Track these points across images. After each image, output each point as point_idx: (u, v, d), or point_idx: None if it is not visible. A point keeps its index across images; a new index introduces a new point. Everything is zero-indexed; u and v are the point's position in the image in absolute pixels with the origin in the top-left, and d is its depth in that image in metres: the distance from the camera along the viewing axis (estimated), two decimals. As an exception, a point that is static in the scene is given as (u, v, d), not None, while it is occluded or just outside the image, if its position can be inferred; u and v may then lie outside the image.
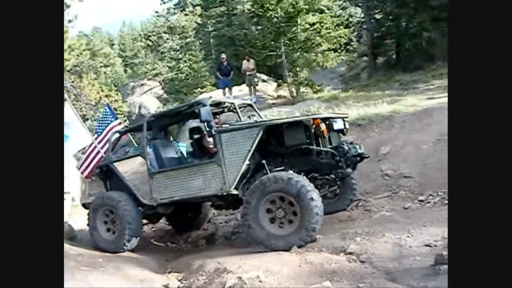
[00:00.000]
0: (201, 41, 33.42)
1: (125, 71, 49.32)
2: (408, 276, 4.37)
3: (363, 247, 5.34)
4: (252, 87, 17.39)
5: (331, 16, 21.33)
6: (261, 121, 6.74)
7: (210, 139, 7.53)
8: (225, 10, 35.56)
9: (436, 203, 7.09)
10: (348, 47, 24.76)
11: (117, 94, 20.94)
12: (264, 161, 6.48)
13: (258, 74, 19.04)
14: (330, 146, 6.50)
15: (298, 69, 17.56)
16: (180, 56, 30.35)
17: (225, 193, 6.49)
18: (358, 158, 6.59)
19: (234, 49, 31.64)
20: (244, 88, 18.61)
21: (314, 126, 6.33)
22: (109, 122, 10.06)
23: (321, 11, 20.95)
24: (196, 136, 8.03)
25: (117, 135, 8.65)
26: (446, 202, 6.94)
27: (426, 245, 5.06)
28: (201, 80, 27.17)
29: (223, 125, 6.80)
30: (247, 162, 6.30)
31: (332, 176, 6.66)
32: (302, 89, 17.55)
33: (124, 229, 7.27)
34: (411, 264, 4.67)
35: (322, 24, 18.25)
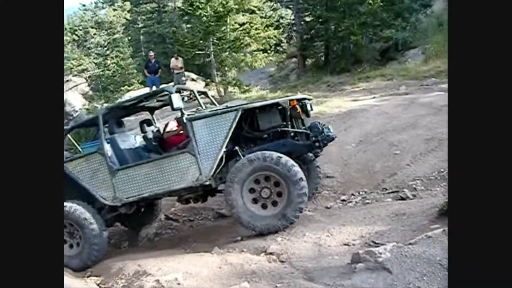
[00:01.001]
0: (130, 38, 32.78)
1: (50, 66, 47.44)
2: (325, 275, 4.41)
3: (284, 247, 5.35)
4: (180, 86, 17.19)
5: (261, 17, 21.48)
6: (237, 105, 6.43)
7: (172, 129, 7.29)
8: (155, 7, 35.13)
9: (358, 202, 7.25)
10: (278, 48, 24.99)
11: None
12: (237, 148, 6.29)
13: (187, 73, 18.91)
14: (304, 128, 6.49)
15: (226, 68, 17.59)
16: (108, 52, 29.67)
17: (200, 184, 6.19)
18: (331, 139, 6.53)
19: (163, 47, 31.29)
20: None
21: (290, 107, 6.25)
22: None
23: (252, 12, 21.06)
24: (150, 129, 7.60)
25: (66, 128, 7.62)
26: (367, 201, 7.15)
27: (345, 244, 5.14)
28: (128, 78, 26.62)
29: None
30: (224, 149, 6.06)
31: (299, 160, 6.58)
32: (230, 89, 17.55)
33: (89, 249, 6.55)
34: (329, 263, 4.72)
35: (251, 24, 18.34)
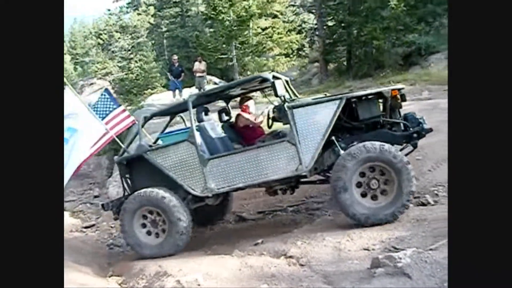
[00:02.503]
0: (153, 42, 33.16)
1: (75, 69, 48.23)
2: (345, 279, 4.41)
3: (304, 250, 5.37)
4: (201, 90, 17.32)
5: (284, 22, 21.55)
6: (340, 94, 6.37)
7: (250, 116, 7.21)
8: (179, 11, 35.39)
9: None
10: (300, 52, 24.97)
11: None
12: (333, 137, 6.05)
13: (210, 77, 19.01)
14: (400, 118, 6.42)
15: (249, 72, 17.66)
16: (131, 56, 30.03)
17: (300, 174, 6.09)
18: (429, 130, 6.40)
19: (186, 51, 31.50)
20: (194, 90, 18.51)
21: (392, 97, 6.17)
22: (110, 109, 8.54)
23: (274, 16, 21.18)
24: (226, 118, 7.50)
25: (141, 121, 7.15)
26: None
27: (365, 249, 5.13)
28: (151, 81, 26.90)
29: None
30: (325, 139, 5.92)
31: None
32: (252, 93, 17.59)
33: (175, 229, 6.41)
34: (348, 267, 4.72)
35: (274, 29, 18.45)
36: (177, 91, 17.39)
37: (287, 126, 6.23)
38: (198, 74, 17.10)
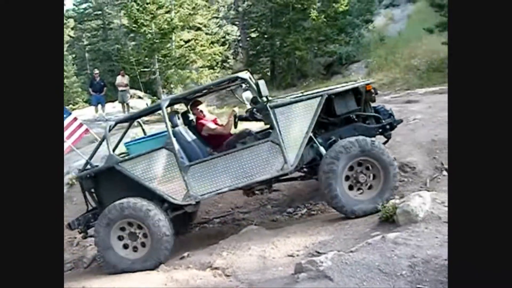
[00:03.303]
0: (75, 56, 32.17)
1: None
2: (270, 286, 4.44)
3: (229, 261, 5.35)
4: (124, 104, 16.99)
5: (207, 34, 21.55)
6: (321, 91, 6.33)
7: (210, 124, 6.93)
8: (100, 24, 34.66)
9: (303, 214, 7.33)
10: (224, 64, 25.12)
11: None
12: (311, 134, 6.08)
13: (133, 91, 18.66)
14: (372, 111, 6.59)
15: (172, 85, 17.47)
16: (51, 70, 28.94)
17: (285, 173, 6.09)
18: (400, 121, 6.69)
19: (110, 64, 30.87)
20: (117, 105, 18.14)
21: (366, 91, 6.34)
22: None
23: (197, 29, 21.11)
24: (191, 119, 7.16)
25: (111, 124, 6.77)
26: (312, 213, 7.24)
27: (289, 255, 5.18)
28: (73, 96, 26.07)
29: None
30: (308, 135, 5.97)
31: None
32: (176, 106, 17.46)
33: (160, 244, 6.01)
34: (273, 274, 4.75)
35: (197, 41, 18.40)
36: (99, 106, 16.95)
37: (253, 125, 6.24)
38: (120, 88, 16.78)
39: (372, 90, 6.43)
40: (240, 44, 26.02)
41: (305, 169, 6.82)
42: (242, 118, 7.23)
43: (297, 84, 20.68)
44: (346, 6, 21.22)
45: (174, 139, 6.23)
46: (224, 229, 7.40)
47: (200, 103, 7.22)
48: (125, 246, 6.19)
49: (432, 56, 16.60)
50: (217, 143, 6.78)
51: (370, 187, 6.02)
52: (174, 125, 6.57)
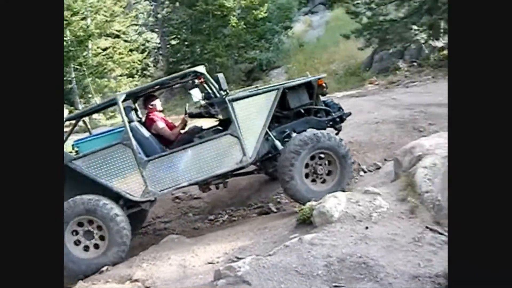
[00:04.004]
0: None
1: None
2: (189, 296, 4.41)
3: (149, 272, 5.24)
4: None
5: (126, 41, 21.14)
6: (277, 85, 6.54)
7: (160, 123, 6.70)
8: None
9: (225, 220, 7.32)
10: (144, 72, 24.71)
11: None
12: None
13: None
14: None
15: (90, 95, 16.99)
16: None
17: (244, 165, 6.19)
18: (348, 114, 6.91)
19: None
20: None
21: (318, 86, 6.51)
22: None
23: (115, 36, 20.67)
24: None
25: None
26: (234, 219, 7.24)
27: (209, 263, 5.16)
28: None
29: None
30: (266, 128, 6.14)
31: None
32: (94, 116, 17.03)
33: (119, 239, 5.85)
34: (193, 283, 4.73)
35: (115, 49, 17.99)
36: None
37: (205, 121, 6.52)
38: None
39: (324, 85, 6.66)
40: (160, 52, 25.68)
41: (257, 163, 6.90)
42: (194, 115, 7.36)
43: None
44: (265, 13, 21.49)
45: (131, 134, 6.09)
46: (145, 240, 7.25)
47: (156, 97, 7.09)
48: (85, 248, 5.95)
49: (349, 61, 17.15)
50: (165, 141, 6.68)
51: (327, 179, 6.21)
52: (130, 121, 6.39)
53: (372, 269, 3.89)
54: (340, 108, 6.88)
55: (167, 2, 25.35)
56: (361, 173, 7.37)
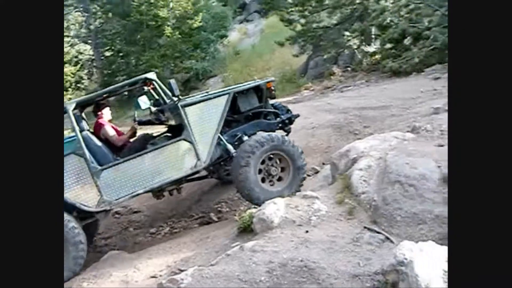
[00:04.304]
0: None
1: None
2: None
3: (90, 291, 5.12)
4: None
5: (57, 54, 20.51)
6: (228, 89, 6.68)
7: (109, 128, 6.54)
8: None
9: (166, 233, 7.23)
10: (78, 85, 24.08)
11: None
12: None
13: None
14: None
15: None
16: None
17: (198, 170, 6.28)
18: (297, 116, 7.11)
19: None
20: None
21: (266, 89, 6.70)
22: None
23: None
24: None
25: None
26: (175, 231, 7.16)
27: (152, 277, 5.09)
28: None
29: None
30: (218, 132, 6.21)
31: None
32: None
33: (75, 254, 5.67)
34: (136, 298, 4.64)
35: (46, 62, 17.42)
36: None
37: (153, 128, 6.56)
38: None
39: (272, 88, 6.83)
40: (94, 64, 25.10)
41: (210, 168, 6.95)
42: (143, 122, 7.29)
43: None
44: (200, 22, 21.44)
45: (83, 144, 5.99)
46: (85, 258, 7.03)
47: (105, 106, 6.92)
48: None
49: (284, 68, 17.36)
50: (115, 149, 6.54)
51: (280, 179, 6.31)
52: (81, 130, 6.22)
53: (313, 272, 3.96)
54: (288, 110, 7.08)
55: (99, 13, 24.84)
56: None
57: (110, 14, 24.00)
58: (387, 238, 4.41)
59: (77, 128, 6.03)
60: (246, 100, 6.66)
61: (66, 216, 5.72)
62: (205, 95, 6.59)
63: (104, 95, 6.84)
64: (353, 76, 13.98)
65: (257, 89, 6.75)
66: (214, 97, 6.34)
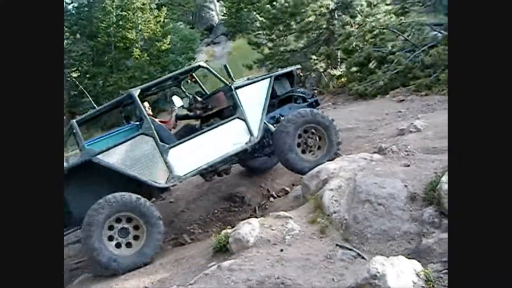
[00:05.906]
0: None
1: None
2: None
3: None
4: None
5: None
6: (269, 73, 7.77)
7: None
8: None
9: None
10: (45, 106, 23.76)
11: None
12: None
13: None
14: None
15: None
16: None
17: (253, 144, 6.91)
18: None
19: None
20: None
21: (296, 75, 7.79)
22: None
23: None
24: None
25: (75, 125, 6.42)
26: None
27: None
28: None
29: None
30: (266, 110, 6.97)
31: None
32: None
33: (157, 229, 6.11)
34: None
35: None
36: None
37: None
38: None
39: (301, 74, 7.97)
40: (61, 85, 24.90)
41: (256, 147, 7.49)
42: (180, 117, 8.05)
43: (122, 124, 20.30)
44: (168, 44, 21.55)
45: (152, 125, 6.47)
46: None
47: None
48: (118, 245, 6.05)
49: (252, 91, 17.55)
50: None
51: (319, 148, 7.09)
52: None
53: (290, 289, 4.10)
54: (313, 95, 8.29)
55: (67, 34, 24.68)
56: (271, 199, 7.65)
57: (77, 35, 23.89)
58: (359, 254, 4.59)
59: (144, 111, 6.56)
60: (281, 85, 7.54)
61: (139, 197, 6.08)
62: (252, 79, 7.32)
63: (162, 83, 7.76)
64: (320, 99, 14.26)
65: (289, 75, 7.68)
66: (259, 80, 7.14)
